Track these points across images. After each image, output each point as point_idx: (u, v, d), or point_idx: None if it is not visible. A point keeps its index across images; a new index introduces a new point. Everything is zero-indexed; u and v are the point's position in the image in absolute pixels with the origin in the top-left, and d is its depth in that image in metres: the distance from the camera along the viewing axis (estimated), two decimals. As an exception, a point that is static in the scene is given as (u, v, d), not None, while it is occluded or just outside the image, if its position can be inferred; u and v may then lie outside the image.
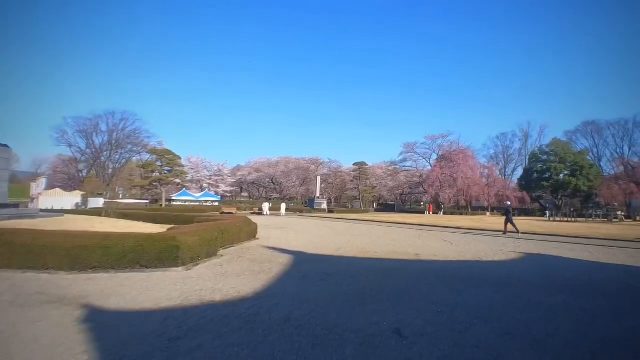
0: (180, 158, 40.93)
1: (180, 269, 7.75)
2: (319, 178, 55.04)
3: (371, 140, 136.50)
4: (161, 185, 37.78)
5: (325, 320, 4.47)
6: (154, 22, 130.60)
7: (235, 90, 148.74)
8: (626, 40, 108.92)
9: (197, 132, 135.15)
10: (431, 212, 52.11)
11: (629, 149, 61.39)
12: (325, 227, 21.40)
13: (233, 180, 76.54)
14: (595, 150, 64.42)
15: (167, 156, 37.82)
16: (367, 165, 64.77)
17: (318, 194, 51.94)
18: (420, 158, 65.42)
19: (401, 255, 10.67)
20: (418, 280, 7.05)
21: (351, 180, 68.18)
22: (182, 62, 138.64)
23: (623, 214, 36.12)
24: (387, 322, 4.42)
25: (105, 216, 17.50)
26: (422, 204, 70.69)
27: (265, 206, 40.13)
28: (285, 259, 9.46)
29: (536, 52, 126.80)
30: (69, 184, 58.74)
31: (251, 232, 13.84)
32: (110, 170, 64.87)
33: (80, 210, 32.74)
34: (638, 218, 33.22)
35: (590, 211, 38.30)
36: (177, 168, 38.46)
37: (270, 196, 79.89)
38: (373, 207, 73.71)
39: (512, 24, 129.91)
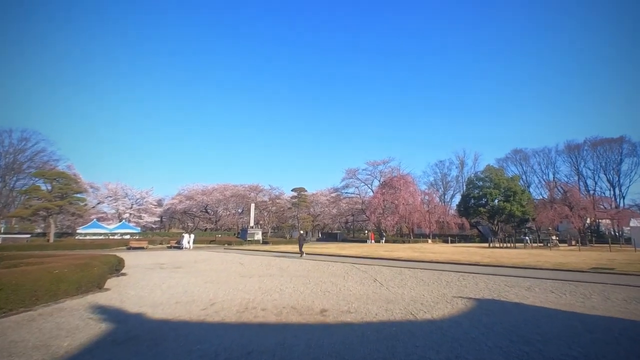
0: (77, 182, 33.58)
1: None
2: (253, 205, 50.04)
3: (316, 167, 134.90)
4: (49, 216, 30.28)
5: None
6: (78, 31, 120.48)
7: (169, 118, 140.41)
8: (546, 75, 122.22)
9: (127, 160, 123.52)
10: (373, 241, 49.66)
11: (553, 175, 65.54)
12: (236, 265, 17.05)
13: (160, 210, 68.44)
14: (524, 177, 67.71)
15: (59, 180, 30.66)
16: (306, 191, 60.66)
17: (252, 224, 46.94)
18: (362, 184, 63.74)
19: (299, 313, 6.86)
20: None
21: (289, 208, 63.50)
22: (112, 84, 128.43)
23: (557, 238, 36.09)
24: None
25: None
26: (365, 232, 68.19)
27: (185, 238, 34.30)
28: (71, 344, 5.13)
29: (467, 81, 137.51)
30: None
31: (91, 281, 9.23)
32: (4, 200, 54.21)
33: None
34: (574, 242, 32.54)
35: (525, 236, 38.36)
36: (74, 194, 31.35)
37: (205, 227, 72.60)
38: (319, 235, 69.61)
39: (442, 58, 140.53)
